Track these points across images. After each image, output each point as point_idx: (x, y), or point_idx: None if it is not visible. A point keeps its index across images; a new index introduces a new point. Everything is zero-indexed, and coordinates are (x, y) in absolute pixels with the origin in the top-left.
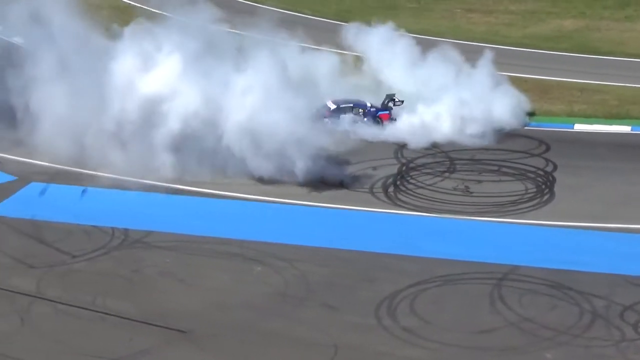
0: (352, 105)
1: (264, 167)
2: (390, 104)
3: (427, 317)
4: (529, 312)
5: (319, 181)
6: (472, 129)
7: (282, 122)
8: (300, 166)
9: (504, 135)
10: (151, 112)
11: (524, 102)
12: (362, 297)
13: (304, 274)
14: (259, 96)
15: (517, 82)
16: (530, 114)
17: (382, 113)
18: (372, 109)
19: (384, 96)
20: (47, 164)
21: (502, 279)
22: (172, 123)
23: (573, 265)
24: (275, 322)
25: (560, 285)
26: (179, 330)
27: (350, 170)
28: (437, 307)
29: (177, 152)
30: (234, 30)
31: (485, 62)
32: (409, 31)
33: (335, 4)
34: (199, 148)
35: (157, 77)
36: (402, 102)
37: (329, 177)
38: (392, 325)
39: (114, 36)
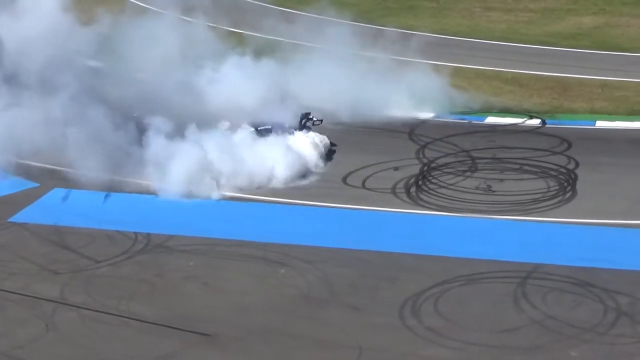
0: (270, 127)
1: None
2: (308, 124)
3: (451, 317)
4: (553, 310)
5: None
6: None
7: None
8: None
9: (526, 133)
10: None
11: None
12: (385, 298)
13: (327, 276)
14: None
15: (538, 80)
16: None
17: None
18: (291, 130)
19: (299, 115)
20: (68, 169)
21: (526, 278)
22: None
23: (597, 263)
24: (300, 324)
25: (584, 282)
26: (203, 334)
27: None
28: (461, 306)
29: None
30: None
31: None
32: (429, 30)
33: (354, 6)
34: None
35: None
36: (321, 121)
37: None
38: (416, 326)
39: None
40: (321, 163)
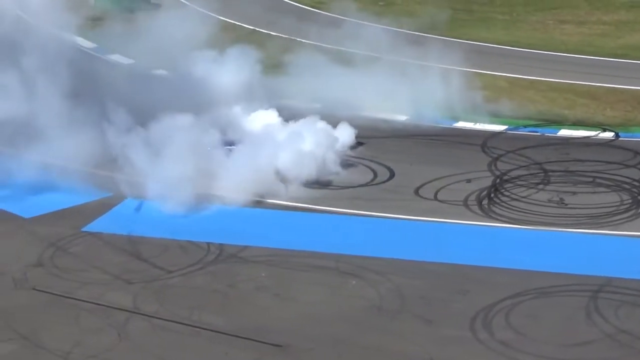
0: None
1: None
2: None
3: (523, 330)
4: (625, 325)
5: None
6: None
7: None
8: None
9: (599, 146)
10: None
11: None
12: (456, 310)
13: (398, 287)
14: None
15: (612, 93)
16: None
17: None
18: None
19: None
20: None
21: (598, 291)
22: None
23: None
24: (371, 336)
25: None
26: (274, 345)
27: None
28: (533, 319)
29: None
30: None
31: None
32: (500, 43)
33: (424, 17)
34: None
35: None
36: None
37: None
38: (487, 339)
39: None
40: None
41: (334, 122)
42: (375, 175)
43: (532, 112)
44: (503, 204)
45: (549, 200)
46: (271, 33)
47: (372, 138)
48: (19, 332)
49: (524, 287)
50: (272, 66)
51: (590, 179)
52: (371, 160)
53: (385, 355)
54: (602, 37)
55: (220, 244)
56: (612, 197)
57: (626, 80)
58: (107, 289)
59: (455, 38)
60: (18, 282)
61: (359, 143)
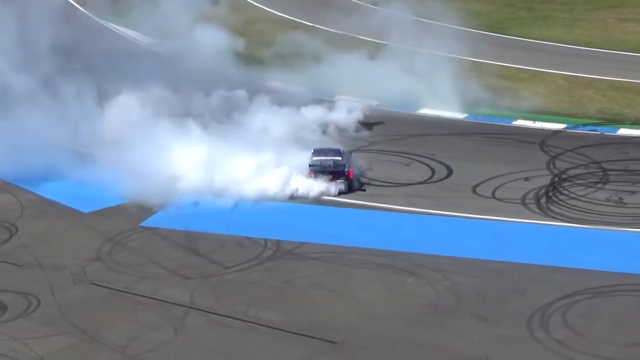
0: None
1: None
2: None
3: (580, 329)
4: None
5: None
6: None
7: None
8: None
9: None
10: None
11: None
12: (513, 309)
13: (455, 285)
14: None
15: None
16: None
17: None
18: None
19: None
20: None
21: None
22: None
23: None
24: (427, 333)
25: None
26: (330, 341)
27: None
28: (590, 319)
29: None
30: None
31: None
32: (561, 41)
33: (486, 15)
34: None
35: None
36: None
37: None
38: (544, 337)
39: None
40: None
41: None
42: (433, 172)
43: (591, 110)
44: (561, 202)
45: (608, 199)
46: None
47: (431, 135)
48: (77, 326)
49: (581, 286)
50: None
51: None
52: (429, 158)
53: (441, 354)
54: None
55: (277, 240)
56: None
57: None
58: (165, 284)
59: (515, 36)
60: (76, 276)
61: (363, 124)
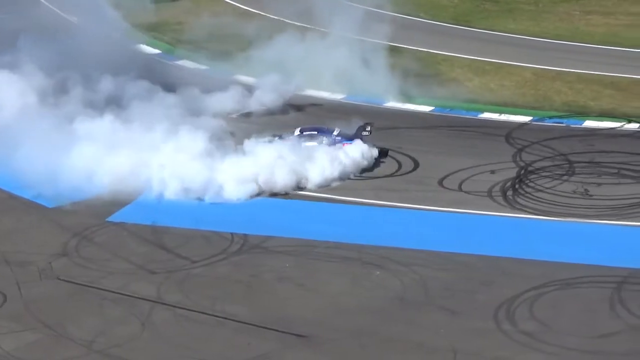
0: (315, 132)
1: None
2: (365, 133)
3: (547, 321)
4: None
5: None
6: None
7: None
8: None
9: (624, 137)
10: None
11: None
12: (480, 302)
13: (423, 278)
14: None
15: (638, 84)
16: None
17: (345, 142)
18: (337, 138)
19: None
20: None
21: (622, 283)
22: None
23: None
24: (394, 327)
25: None
26: (297, 335)
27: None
28: (557, 311)
29: None
30: None
31: None
32: (528, 34)
33: (452, 8)
34: None
35: None
36: (370, 132)
37: None
38: (511, 330)
39: None
40: (357, 173)
41: None
42: (400, 166)
43: (557, 103)
44: (527, 195)
45: (574, 192)
46: None
47: (396, 129)
48: (43, 322)
49: (548, 278)
50: None
51: (615, 171)
52: (396, 151)
53: (408, 347)
54: (629, 27)
55: (244, 234)
56: (637, 189)
57: None
58: (131, 278)
59: (481, 29)
60: (43, 272)
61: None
